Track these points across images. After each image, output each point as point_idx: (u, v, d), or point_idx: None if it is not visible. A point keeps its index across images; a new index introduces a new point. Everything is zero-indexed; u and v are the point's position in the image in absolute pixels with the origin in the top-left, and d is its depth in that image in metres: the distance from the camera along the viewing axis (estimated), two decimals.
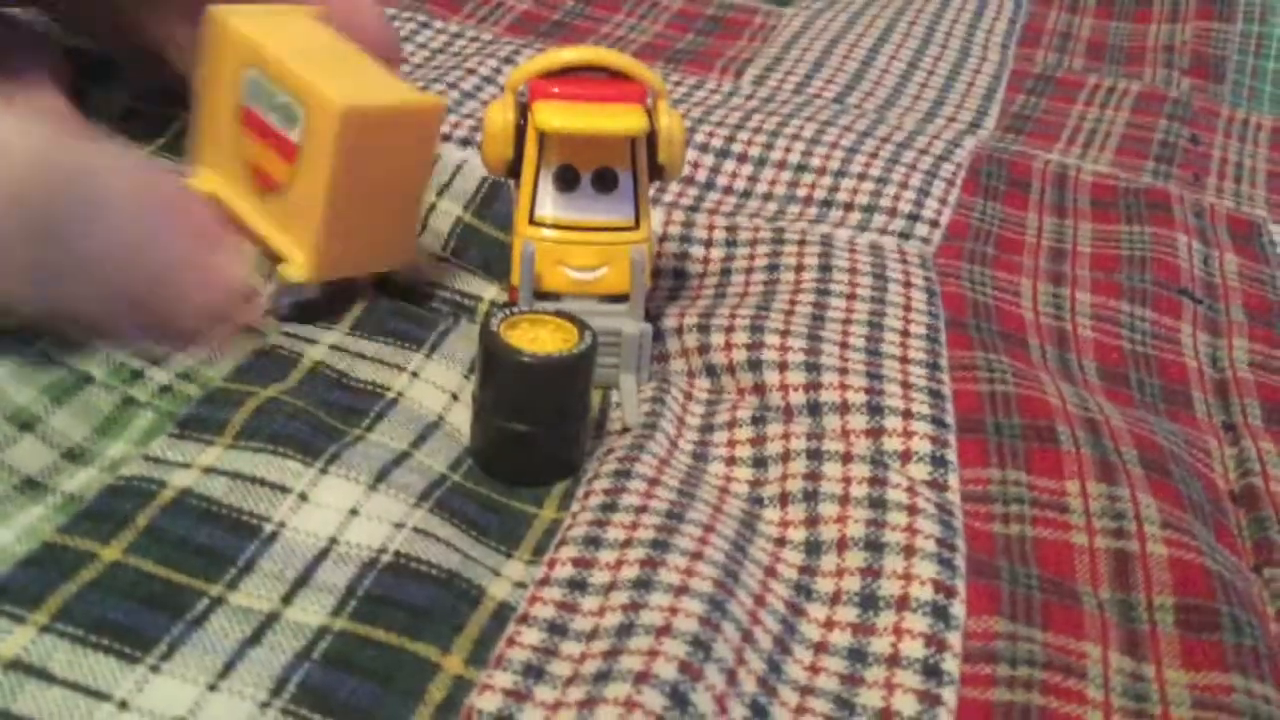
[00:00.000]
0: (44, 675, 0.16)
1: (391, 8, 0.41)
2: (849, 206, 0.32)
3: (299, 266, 0.23)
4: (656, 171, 0.24)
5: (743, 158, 0.34)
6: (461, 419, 0.22)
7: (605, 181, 0.23)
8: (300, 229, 0.23)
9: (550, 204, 0.23)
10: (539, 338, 0.21)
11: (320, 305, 0.24)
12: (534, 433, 0.21)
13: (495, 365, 0.21)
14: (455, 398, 0.23)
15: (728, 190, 0.33)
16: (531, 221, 0.23)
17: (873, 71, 0.42)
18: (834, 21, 0.46)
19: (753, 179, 0.33)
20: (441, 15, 0.42)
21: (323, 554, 0.18)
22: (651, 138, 0.24)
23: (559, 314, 0.22)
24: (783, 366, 0.24)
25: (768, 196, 0.33)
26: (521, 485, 0.22)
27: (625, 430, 0.23)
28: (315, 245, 0.23)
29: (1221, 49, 0.47)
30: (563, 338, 0.21)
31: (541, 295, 0.23)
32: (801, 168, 0.34)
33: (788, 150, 0.34)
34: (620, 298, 0.24)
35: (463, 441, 0.22)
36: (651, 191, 0.25)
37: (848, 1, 0.48)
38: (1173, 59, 0.46)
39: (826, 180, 0.33)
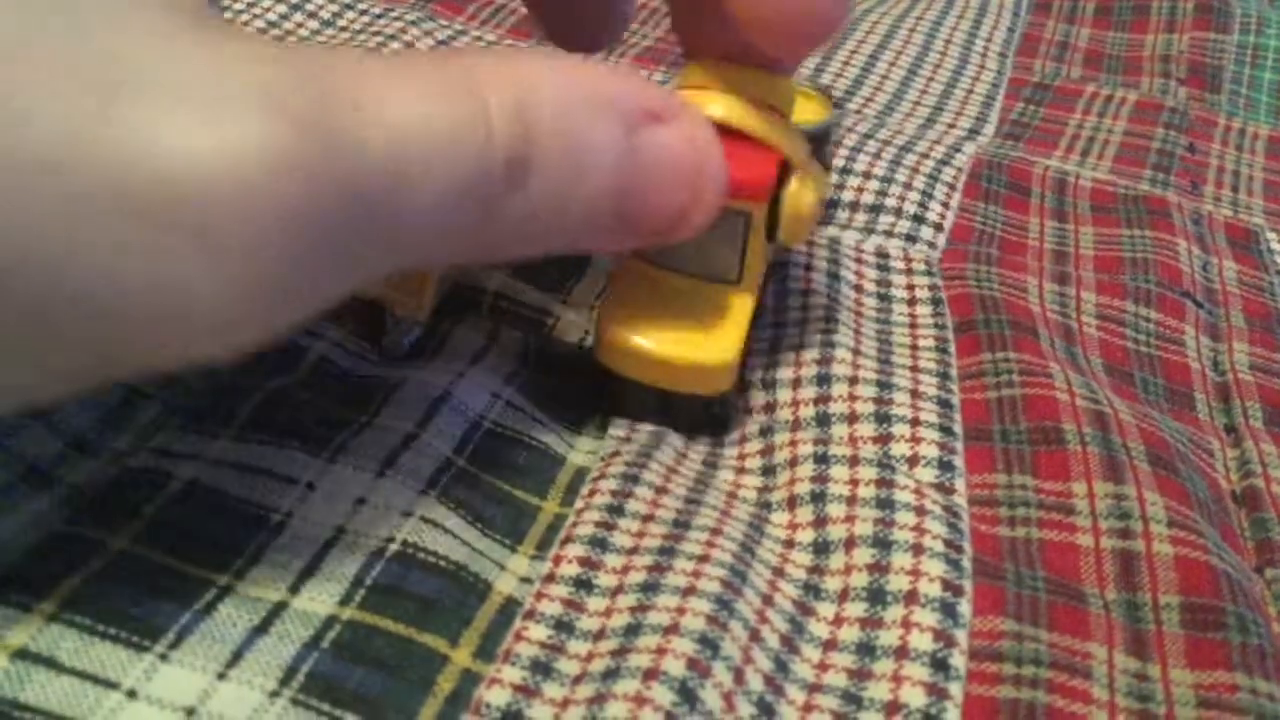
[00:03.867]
0: (52, 664, 0.16)
1: (399, 5, 0.41)
2: (854, 206, 0.32)
3: (420, 307, 0.23)
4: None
5: None
6: (469, 392, 0.22)
7: None
8: (408, 271, 0.22)
9: None
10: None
11: (426, 336, 0.24)
12: None
13: None
14: (461, 375, 0.23)
15: None
16: None
17: (872, 78, 0.42)
18: None
19: None
20: (445, 15, 0.42)
21: (330, 543, 0.18)
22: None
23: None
24: (796, 384, 0.24)
25: None
26: None
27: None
28: (431, 281, 0.23)
29: (1218, 59, 0.47)
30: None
31: None
32: None
33: None
34: None
35: (469, 416, 0.22)
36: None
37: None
38: (1170, 69, 0.47)
39: (831, 178, 0.33)
